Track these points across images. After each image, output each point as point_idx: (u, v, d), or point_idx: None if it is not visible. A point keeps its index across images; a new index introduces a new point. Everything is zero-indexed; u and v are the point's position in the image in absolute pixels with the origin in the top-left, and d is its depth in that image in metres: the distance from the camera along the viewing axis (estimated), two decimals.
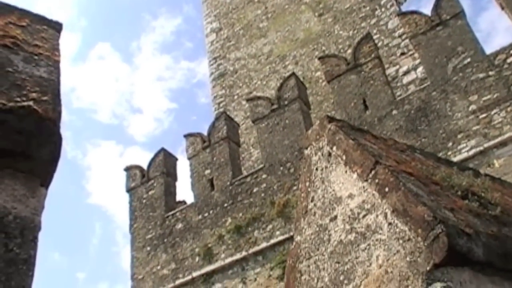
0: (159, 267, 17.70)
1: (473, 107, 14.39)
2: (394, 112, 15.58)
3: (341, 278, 3.92)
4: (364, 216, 3.84)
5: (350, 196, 4.01)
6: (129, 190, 19.71)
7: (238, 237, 16.38)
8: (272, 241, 15.71)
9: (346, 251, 3.94)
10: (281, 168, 16.61)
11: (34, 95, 2.03)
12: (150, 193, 19.04)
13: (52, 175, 2.06)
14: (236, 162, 18.28)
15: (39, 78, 2.14)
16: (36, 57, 2.23)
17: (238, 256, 16.20)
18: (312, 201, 4.42)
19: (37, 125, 1.96)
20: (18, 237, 1.86)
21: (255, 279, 15.74)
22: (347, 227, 3.98)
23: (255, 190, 16.78)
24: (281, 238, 15.48)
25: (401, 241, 3.51)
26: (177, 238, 17.72)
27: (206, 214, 17.41)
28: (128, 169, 19.99)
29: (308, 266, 4.25)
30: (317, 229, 4.27)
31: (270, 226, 15.94)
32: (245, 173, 18.13)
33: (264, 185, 16.64)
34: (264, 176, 16.84)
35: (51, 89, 2.12)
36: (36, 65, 2.19)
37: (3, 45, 2.15)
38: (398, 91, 18.46)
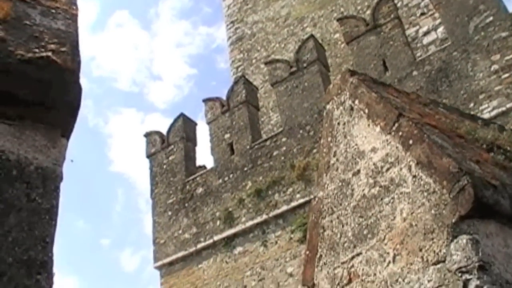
0: (180, 232, 17.83)
1: (495, 67, 14.16)
2: (415, 73, 15.40)
3: (365, 232, 3.89)
4: (387, 170, 3.78)
5: (373, 149, 3.95)
6: (149, 156, 19.80)
7: (258, 200, 16.43)
8: (293, 204, 15.74)
9: (370, 205, 3.90)
10: (301, 131, 16.54)
11: (52, 46, 2.01)
12: (170, 158, 19.11)
13: (73, 125, 2.04)
14: (255, 126, 18.25)
15: (57, 31, 2.11)
16: (53, 11, 2.20)
17: (258, 219, 16.26)
18: (334, 156, 4.36)
19: (57, 75, 1.94)
20: (40, 187, 1.85)
21: (276, 242, 15.82)
22: (371, 181, 3.93)
23: (275, 153, 16.76)
24: (301, 201, 15.49)
25: (425, 194, 3.46)
26: (197, 203, 17.81)
27: (226, 178, 17.45)
28: (147, 135, 20.04)
29: (331, 221, 4.22)
30: (340, 184, 4.23)
31: (290, 189, 15.96)
32: (264, 136, 18.11)
33: (284, 148, 16.61)
34: (283, 139, 16.80)
35: (70, 40, 2.10)
36: (54, 18, 2.17)
37: (20, 0, 2.12)
38: (418, 52, 18.22)
